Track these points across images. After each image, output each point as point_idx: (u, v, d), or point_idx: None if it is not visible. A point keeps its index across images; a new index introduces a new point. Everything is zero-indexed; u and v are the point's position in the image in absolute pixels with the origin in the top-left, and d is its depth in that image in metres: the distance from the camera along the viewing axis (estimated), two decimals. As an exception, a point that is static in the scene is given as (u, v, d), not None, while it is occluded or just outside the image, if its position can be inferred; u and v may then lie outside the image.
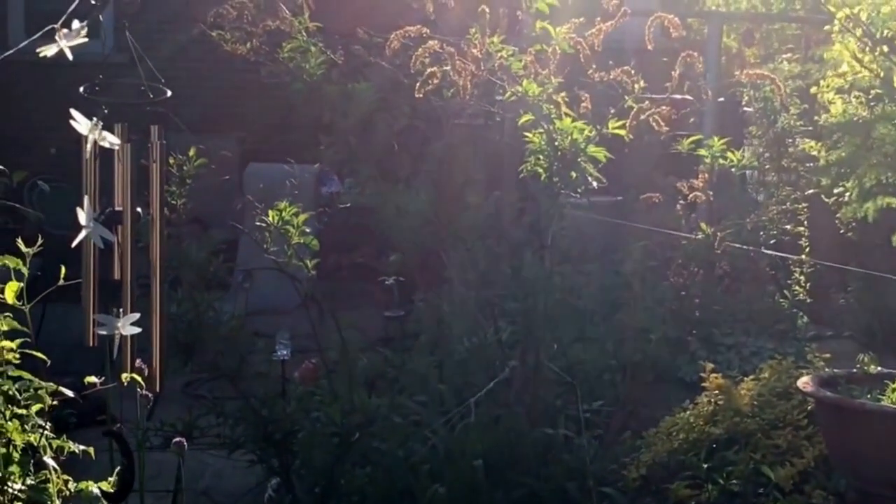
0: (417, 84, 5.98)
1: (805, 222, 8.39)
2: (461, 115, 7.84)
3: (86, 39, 3.09)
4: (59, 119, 9.17)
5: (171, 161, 5.84)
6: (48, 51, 3.22)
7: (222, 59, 7.48)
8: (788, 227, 8.03)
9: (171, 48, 10.23)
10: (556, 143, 6.10)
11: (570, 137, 6.07)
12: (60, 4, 10.77)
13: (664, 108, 5.88)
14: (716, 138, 6.57)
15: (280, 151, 9.03)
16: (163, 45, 10.41)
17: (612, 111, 6.11)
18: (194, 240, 6.07)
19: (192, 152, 5.87)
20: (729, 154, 6.51)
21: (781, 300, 8.47)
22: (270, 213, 5.93)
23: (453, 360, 7.25)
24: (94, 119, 2.76)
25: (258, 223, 5.99)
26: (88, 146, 2.75)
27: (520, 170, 6.39)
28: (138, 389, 3.66)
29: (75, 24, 2.98)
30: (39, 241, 3.39)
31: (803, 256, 8.10)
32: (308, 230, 5.98)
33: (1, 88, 12.20)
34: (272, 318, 8.66)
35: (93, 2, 2.96)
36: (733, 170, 6.53)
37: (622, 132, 6.00)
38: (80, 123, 2.74)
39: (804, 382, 6.07)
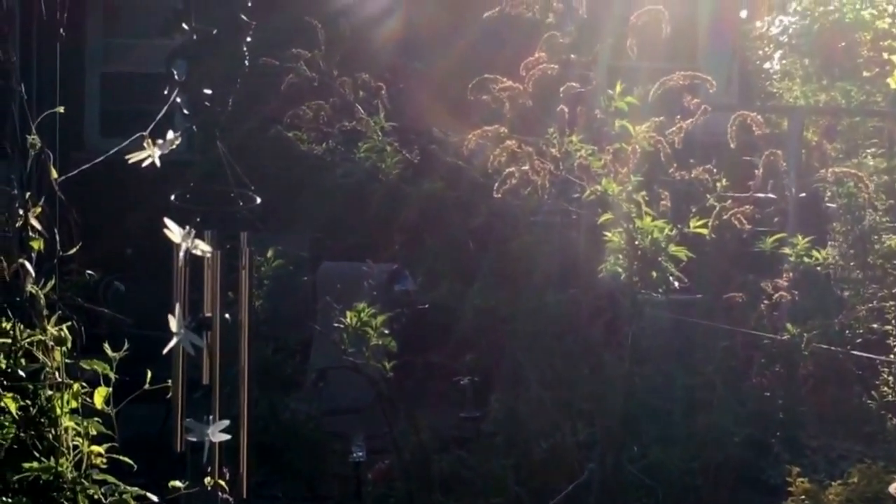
0: (496, 184, 5.94)
1: (893, 321, 8.19)
2: (537, 213, 7.79)
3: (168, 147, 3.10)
4: (133, 218, 9.24)
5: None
6: (137, 157, 3.21)
7: (296, 156, 7.53)
8: (875, 325, 7.85)
9: (245, 151, 10.31)
10: (637, 243, 6.02)
11: (650, 237, 5.98)
12: (134, 105, 10.94)
13: (747, 207, 5.78)
14: (800, 236, 6.45)
15: (353, 249, 9.04)
16: (231, 141, 10.50)
17: (693, 210, 6.01)
18: (270, 340, 6.04)
19: (269, 253, 5.85)
20: (814, 252, 6.39)
21: (869, 401, 8.25)
22: (349, 314, 5.89)
23: (530, 461, 7.12)
24: (188, 228, 2.74)
25: (336, 324, 5.95)
26: (181, 254, 2.72)
27: (599, 269, 6.30)
28: (220, 494, 3.60)
29: (169, 134, 2.97)
30: (126, 346, 3.38)
31: (892, 356, 7.90)
32: (386, 331, 5.93)
33: (76, 188, 12.35)
34: (346, 418, 8.58)
35: (185, 112, 2.95)
36: (818, 268, 6.41)
37: (704, 231, 5.91)
38: (174, 232, 2.72)
39: (896, 488, 5.88)
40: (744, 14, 14.84)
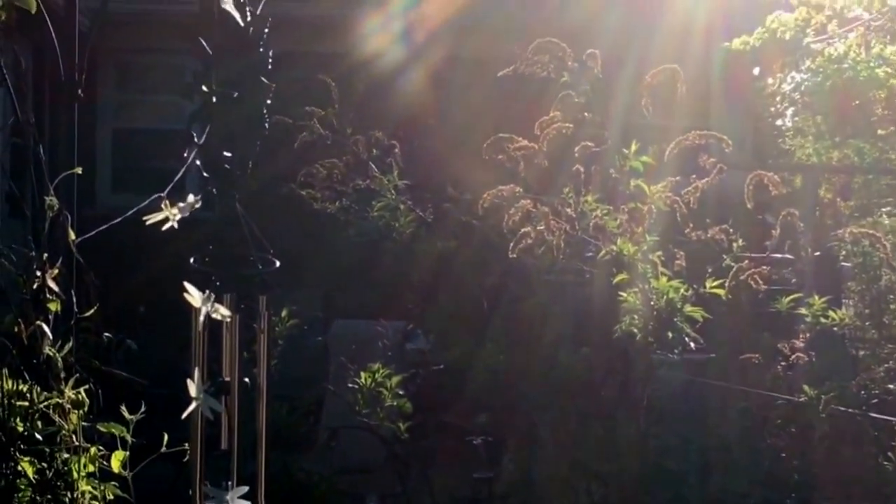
0: (511, 244, 5.92)
1: (910, 381, 8.13)
2: (550, 271, 7.77)
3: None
4: (146, 277, 9.23)
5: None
6: (155, 219, 3.20)
7: (308, 213, 7.53)
8: (892, 386, 7.78)
9: (256, 207, 10.32)
10: (652, 303, 5.99)
11: (666, 297, 5.95)
12: (146, 161, 10.94)
13: (764, 267, 5.76)
14: (816, 297, 6.42)
15: (366, 307, 9.00)
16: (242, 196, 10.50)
17: (710, 270, 5.99)
18: (284, 400, 6.00)
19: (284, 313, 5.83)
20: (830, 313, 6.36)
21: (886, 463, 8.16)
22: (363, 374, 5.86)
23: (544, 523, 7.06)
24: (207, 292, 2.72)
25: (350, 384, 5.91)
26: (200, 318, 2.70)
27: (614, 329, 6.26)
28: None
29: (190, 198, 2.96)
30: (142, 408, 3.37)
31: (908, 418, 7.83)
32: (401, 392, 5.89)
33: (90, 245, 12.35)
34: (358, 477, 8.51)
35: (205, 174, 2.94)
36: (835, 329, 6.37)
37: (720, 292, 5.88)
38: (193, 296, 2.69)
39: (914, 552, 5.81)
40: (756, 71, 14.87)
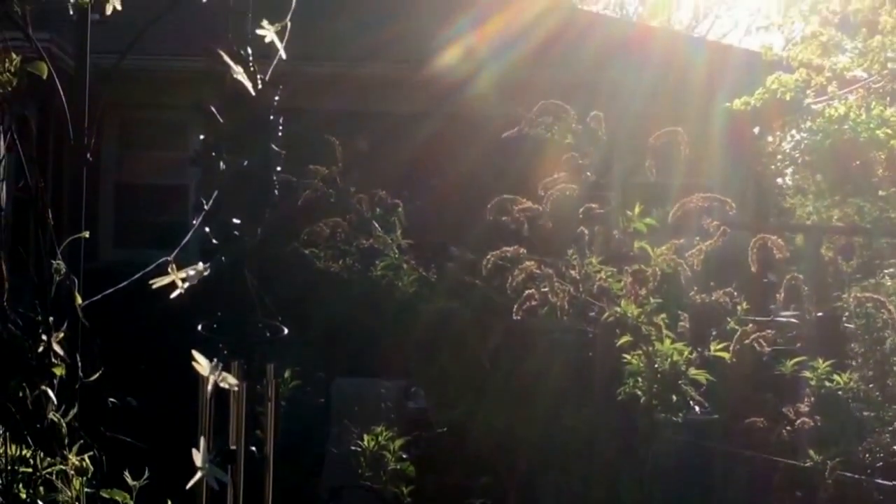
0: (515, 305, 5.91)
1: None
2: (553, 332, 7.75)
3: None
4: (146, 337, 9.20)
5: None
6: (161, 283, 3.19)
7: (311, 270, 7.53)
8: (896, 449, 7.74)
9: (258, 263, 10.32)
10: (656, 366, 5.97)
11: (670, 360, 5.93)
12: (148, 216, 10.93)
13: (768, 331, 5.75)
14: (820, 360, 6.40)
15: (368, 364, 8.97)
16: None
17: (714, 332, 5.98)
18: (287, 460, 5.93)
19: (287, 374, 5.81)
20: (835, 377, 6.33)
21: (890, 527, 8.10)
22: (366, 437, 5.83)
23: (547, 586, 6.99)
24: (215, 361, 2.70)
25: (353, 447, 5.88)
26: (209, 387, 2.69)
27: (618, 391, 6.24)
28: None
29: (199, 265, 2.96)
30: (146, 474, 3.35)
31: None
32: (404, 456, 5.85)
33: (96, 305, 12.29)
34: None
35: (213, 241, 2.94)
36: (840, 392, 6.34)
37: (725, 355, 5.86)
38: (202, 365, 2.68)
39: None
40: (756, 130, 14.94)
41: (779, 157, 18.87)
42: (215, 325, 2.93)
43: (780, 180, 19.82)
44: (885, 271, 10.34)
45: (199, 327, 2.91)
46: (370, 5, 15.03)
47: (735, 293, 5.86)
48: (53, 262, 3.41)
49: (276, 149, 2.88)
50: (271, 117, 2.91)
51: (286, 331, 2.98)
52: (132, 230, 14.19)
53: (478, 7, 15.94)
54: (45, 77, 3.59)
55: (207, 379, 2.70)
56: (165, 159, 14.65)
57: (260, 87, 2.87)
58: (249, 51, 2.93)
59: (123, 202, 14.55)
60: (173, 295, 2.94)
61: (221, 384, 2.74)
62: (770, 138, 17.87)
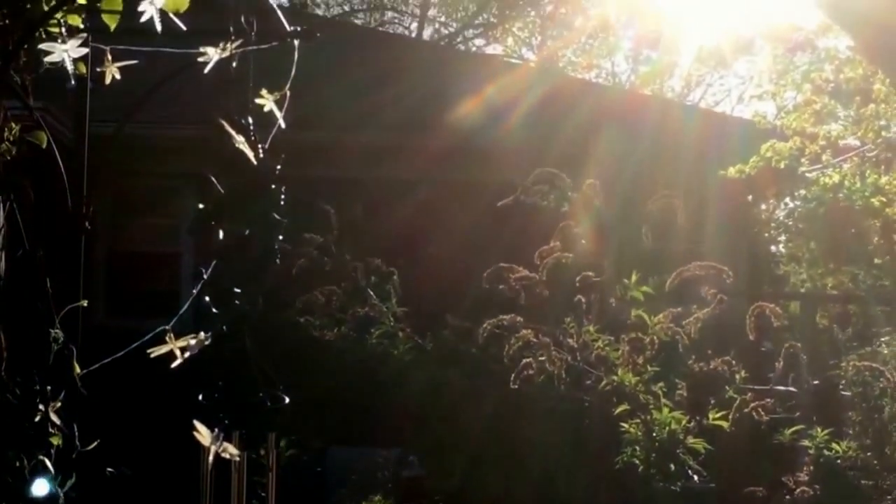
0: (513, 375, 5.90)
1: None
2: (549, 400, 7.72)
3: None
4: (144, 404, 9.13)
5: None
6: (160, 352, 3.17)
7: (307, 339, 7.50)
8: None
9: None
10: (654, 434, 5.94)
11: (668, 429, 5.91)
12: (141, 284, 10.86)
13: (767, 400, 5.73)
14: (819, 429, 6.38)
15: (363, 432, 8.91)
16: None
17: (712, 401, 5.97)
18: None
19: (283, 443, 5.76)
20: (833, 445, 6.30)
21: None
22: (364, 507, 5.78)
23: None
24: (216, 431, 2.68)
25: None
26: (210, 457, 2.66)
27: (615, 460, 6.21)
28: None
29: (201, 334, 2.94)
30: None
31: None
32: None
33: (93, 372, 12.21)
34: None
35: (214, 310, 2.92)
36: (838, 461, 6.31)
37: (723, 423, 5.84)
38: (203, 434, 2.66)
39: None
40: (750, 197, 14.97)
41: (773, 224, 18.91)
42: (216, 395, 2.91)
43: (773, 248, 19.84)
44: (882, 339, 10.31)
45: (200, 397, 2.88)
46: (363, 72, 15.11)
47: (733, 361, 5.85)
48: (52, 330, 3.40)
49: (277, 217, 2.88)
50: (273, 186, 2.91)
51: (287, 400, 2.96)
52: (125, 297, 14.14)
53: (471, 74, 16.03)
54: (43, 146, 3.60)
55: (208, 449, 2.67)
56: (158, 226, 14.63)
57: (261, 155, 2.88)
58: (250, 120, 2.93)
59: (116, 269, 14.51)
60: (174, 364, 2.92)
61: (222, 454, 2.71)
62: (763, 206, 17.91)
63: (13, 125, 3.63)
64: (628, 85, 30.14)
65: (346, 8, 32.50)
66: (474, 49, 31.65)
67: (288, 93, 3.25)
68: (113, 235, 14.37)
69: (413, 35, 31.07)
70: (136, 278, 14.26)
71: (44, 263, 3.43)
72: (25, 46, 3.49)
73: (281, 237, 2.99)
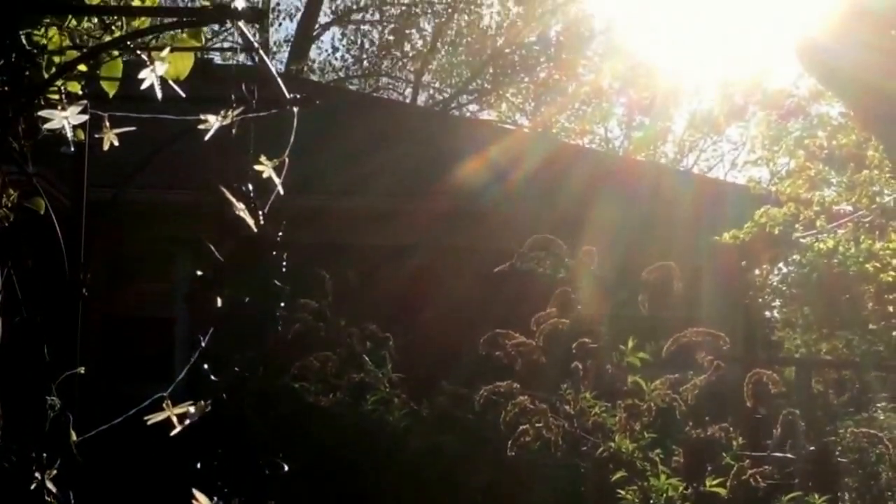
0: (510, 441, 5.86)
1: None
2: (546, 466, 7.68)
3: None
4: (141, 471, 9.06)
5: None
6: (157, 419, 3.16)
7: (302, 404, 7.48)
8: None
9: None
10: (651, 501, 5.90)
11: (665, 495, 5.87)
12: (136, 350, 10.82)
13: (765, 467, 5.70)
14: (816, 496, 6.34)
15: (359, 499, 8.85)
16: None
17: (710, 468, 5.93)
18: None
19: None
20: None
21: None
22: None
23: None
24: (216, 499, 2.66)
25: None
26: (209, 528, 2.64)
27: (614, 528, 6.16)
28: None
29: (201, 403, 2.92)
30: None
31: None
32: None
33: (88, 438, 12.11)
34: None
35: (212, 378, 2.91)
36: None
37: (721, 490, 5.80)
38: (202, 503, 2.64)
39: None
40: (744, 263, 15.01)
41: (767, 289, 18.96)
42: (215, 462, 2.89)
43: (767, 313, 19.89)
44: (878, 405, 10.31)
45: (199, 465, 2.86)
46: (358, 137, 15.19)
47: (730, 428, 5.83)
48: (48, 398, 3.38)
49: (279, 284, 2.87)
50: (274, 252, 2.91)
51: (286, 468, 2.94)
52: (121, 362, 14.09)
53: (466, 140, 16.12)
54: (42, 212, 3.60)
55: (207, 520, 2.66)
56: (153, 291, 14.62)
57: (261, 222, 2.88)
58: (250, 186, 2.94)
59: (112, 334, 14.48)
60: (174, 433, 2.90)
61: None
62: (758, 271, 17.97)
63: (11, 192, 3.63)
64: (622, 151, 30.30)
65: (342, 74, 32.71)
66: (469, 114, 31.86)
67: (287, 159, 3.26)
68: (107, 301, 14.34)
69: (408, 101, 31.27)
70: (131, 343, 14.23)
71: (41, 330, 3.42)
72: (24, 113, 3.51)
73: (283, 304, 2.99)
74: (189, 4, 28.20)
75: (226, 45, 19.78)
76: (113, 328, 14.53)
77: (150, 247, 14.24)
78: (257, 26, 25.43)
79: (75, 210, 3.90)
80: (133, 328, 14.50)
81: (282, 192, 3.19)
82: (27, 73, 3.59)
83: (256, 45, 3.22)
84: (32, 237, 3.75)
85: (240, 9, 2.89)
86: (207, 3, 3.31)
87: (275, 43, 31.95)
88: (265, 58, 3.31)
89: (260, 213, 2.95)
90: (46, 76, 3.55)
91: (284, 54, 31.55)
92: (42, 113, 3.43)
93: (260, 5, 29.89)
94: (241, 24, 3.11)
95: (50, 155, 3.73)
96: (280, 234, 2.94)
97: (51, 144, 3.66)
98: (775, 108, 18.22)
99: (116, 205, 3.87)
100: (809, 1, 12.39)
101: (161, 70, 3.25)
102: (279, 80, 3.33)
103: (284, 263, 2.95)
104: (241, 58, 4.02)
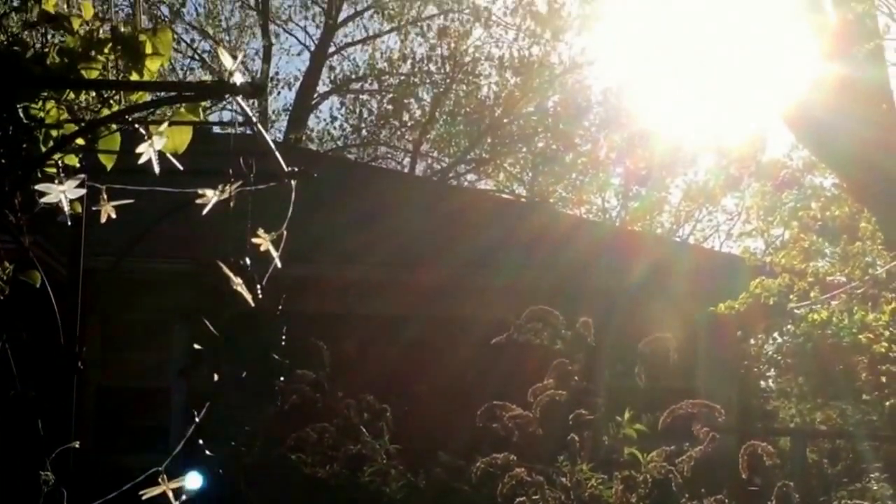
0: (507, 515, 5.83)
1: None
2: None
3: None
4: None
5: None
6: (152, 493, 3.14)
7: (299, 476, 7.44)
8: None
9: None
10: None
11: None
12: (130, 420, 10.76)
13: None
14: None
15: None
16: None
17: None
18: None
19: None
20: None
21: None
22: None
23: None
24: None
25: None
26: None
27: None
28: None
29: (199, 479, 2.91)
30: None
31: None
32: None
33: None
34: None
35: (207, 452, 2.90)
36: None
37: (721, 565, 5.77)
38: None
39: None
40: (739, 333, 15.02)
41: (762, 359, 18.96)
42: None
43: (762, 383, 19.88)
44: (871, 475, 10.27)
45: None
46: (356, 207, 15.24)
47: (725, 500, 5.81)
48: (42, 472, 3.37)
49: (277, 358, 2.87)
50: (272, 325, 2.91)
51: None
52: (115, 432, 14.02)
53: (463, 210, 16.18)
54: (37, 286, 3.60)
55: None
56: (147, 362, 14.57)
57: (259, 296, 2.88)
58: (248, 261, 2.94)
59: (105, 405, 14.41)
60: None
61: None
62: (753, 341, 17.96)
63: (7, 265, 3.64)
64: (619, 221, 30.38)
65: (340, 143, 32.85)
66: (467, 184, 31.96)
67: (285, 232, 3.27)
68: (101, 371, 14.30)
69: (406, 170, 31.39)
70: (126, 414, 14.16)
71: (36, 405, 3.41)
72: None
73: (282, 378, 2.99)
74: (187, 78, 28.41)
75: (225, 114, 19.87)
76: (108, 398, 14.47)
77: (145, 316, 14.21)
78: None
79: (71, 282, 3.90)
80: (128, 398, 14.43)
81: (279, 265, 3.20)
82: (24, 146, 3.60)
83: (255, 118, 3.23)
84: (28, 307, 3.75)
85: (239, 84, 2.90)
86: (206, 78, 3.34)
87: (273, 111, 32.14)
88: (263, 132, 3.32)
89: (258, 286, 2.96)
90: (44, 149, 3.55)
91: (283, 123, 31.73)
92: (39, 187, 3.43)
93: (259, 74, 30.10)
94: (239, 98, 3.13)
95: (47, 222, 3.73)
96: (280, 307, 2.94)
97: (48, 212, 3.67)
98: (770, 179, 18.33)
99: (114, 275, 3.87)
100: (803, 73, 12.52)
101: (159, 144, 3.26)
102: (277, 153, 3.34)
103: (284, 337, 2.94)
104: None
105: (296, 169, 3.44)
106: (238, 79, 2.92)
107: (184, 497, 2.88)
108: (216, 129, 13.21)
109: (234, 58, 2.93)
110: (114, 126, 3.60)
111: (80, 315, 3.96)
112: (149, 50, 3.36)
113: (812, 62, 12.45)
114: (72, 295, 3.87)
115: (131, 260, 12.24)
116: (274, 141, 3.47)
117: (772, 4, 12.90)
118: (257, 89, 3.12)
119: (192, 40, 30.34)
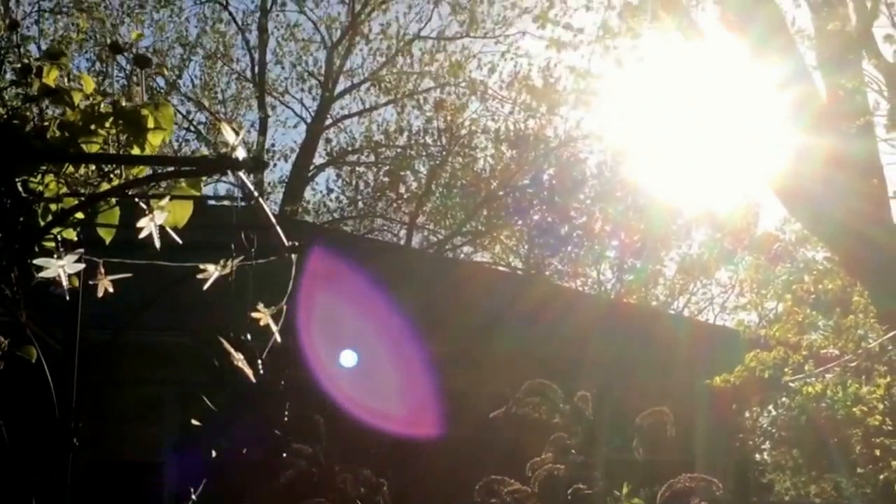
0: None
1: None
2: None
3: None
4: None
5: None
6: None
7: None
8: None
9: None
10: None
11: None
12: (122, 496, 10.64)
13: None
14: None
15: None
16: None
17: None
18: None
19: None
20: None
21: None
22: None
23: None
24: None
25: None
26: None
27: None
28: None
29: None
30: None
31: None
32: None
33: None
34: None
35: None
36: None
37: None
38: None
39: None
40: (734, 406, 15.00)
41: (757, 432, 18.93)
42: None
43: (757, 456, 19.82)
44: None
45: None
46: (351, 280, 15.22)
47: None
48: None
49: (278, 433, 2.85)
50: (273, 399, 2.89)
51: None
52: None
53: (459, 282, 16.17)
54: (33, 361, 3.57)
55: None
56: (141, 437, 14.46)
57: (260, 371, 2.87)
58: (249, 336, 2.93)
59: (96, 479, 14.28)
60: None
61: None
62: (748, 413, 17.94)
63: (2, 339, 3.62)
64: (614, 293, 30.38)
65: (337, 215, 32.88)
66: (463, 256, 31.96)
67: (285, 307, 3.27)
68: (92, 445, 14.16)
69: (402, 242, 31.40)
70: (118, 489, 14.03)
71: (28, 482, 3.38)
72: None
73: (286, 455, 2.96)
74: (183, 150, 28.49)
75: (220, 186, 19.92)
76: (99, 473, 14.34)
77: (139, 389, 14.13)
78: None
79: (67, 356, 3.88)
80: (120, 473, 14.31)
81: (279, 339, 3.19)
82: (22, 220, 3.59)
83: (256, 193, 3.24)
84: (24, 380, 3.73)
85: (242, 159, 2.91)
86: (203, 150, 3.35)
87: (269, 183, 32.20)
88: (265, 206, 3.33)
89: (259, 361, 2.94)
90: (42, 223, 3.55)
91: (279, 194, 31.76)
92: (37, 261, 3.43)
93: (255, 146, 30.18)
94: (241, 172, 3.14)
95: (43, 294, 3.71)
96: (283, 382, 2.92)
97: (44, 285, 3.65)
98: (763, 252, 18.41)
99: (112, 349, 3.85)
100: (793, 146, 12.61)
101: (160, 219, 3.26)
102: (278, 228, 3.35)
103: (287, 413, 2.93)
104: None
105: (296, 243, 3.45)
106: (241, 153, 2.93)
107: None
108: (211, 202, 13.21)
109: (237, 132, 2.93)
110: (113, 200, 3.60)
111: (77, 392, 3.93)
112: (151, 124, 3.37)
113: (802, 134, 12.55)
114: (68, 370, 3.84)
115: (129, 332, 12.18)
116: (273, 214, 3.47)
117: (762, 77, 13.00)
118: (260, 164, 3.13)
119: (188, 112, 30.51)
